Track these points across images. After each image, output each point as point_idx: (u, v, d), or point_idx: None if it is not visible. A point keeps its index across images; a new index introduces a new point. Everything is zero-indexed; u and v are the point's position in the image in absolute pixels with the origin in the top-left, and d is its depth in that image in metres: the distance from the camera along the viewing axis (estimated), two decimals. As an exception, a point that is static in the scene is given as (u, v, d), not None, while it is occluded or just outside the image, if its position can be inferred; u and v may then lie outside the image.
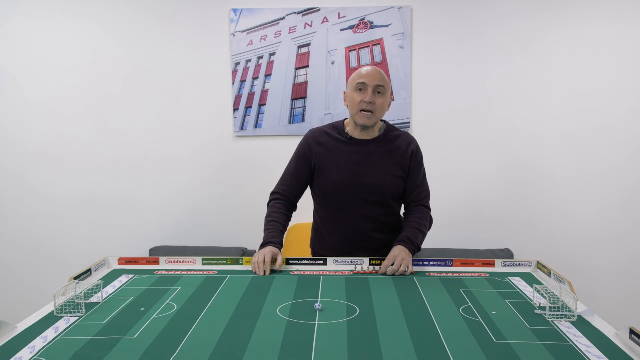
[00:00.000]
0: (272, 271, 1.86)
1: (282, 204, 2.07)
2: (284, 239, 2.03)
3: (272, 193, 2.12)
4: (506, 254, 3.07)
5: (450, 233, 3.25)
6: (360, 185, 1.97)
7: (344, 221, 2.02)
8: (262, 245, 1.94)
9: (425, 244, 3.16)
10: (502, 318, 1.42)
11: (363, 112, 1.92)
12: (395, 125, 2.13)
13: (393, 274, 1.80)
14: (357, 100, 1.92)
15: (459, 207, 3.25)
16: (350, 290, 1.65)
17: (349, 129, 2.03)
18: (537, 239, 3.22)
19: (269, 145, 3.25)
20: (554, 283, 1.71)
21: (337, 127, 2.06)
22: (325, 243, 2.09)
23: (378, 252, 2.00)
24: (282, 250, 1.94)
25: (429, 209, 2.09)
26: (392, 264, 1.82)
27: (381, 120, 2.05)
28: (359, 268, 1.87)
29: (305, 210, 2.22)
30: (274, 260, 1.87)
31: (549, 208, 3.22)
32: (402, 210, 2.14)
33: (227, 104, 3.23)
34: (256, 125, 3.23)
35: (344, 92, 2.03)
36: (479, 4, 3.13)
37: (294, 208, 2.13)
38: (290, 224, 3.10)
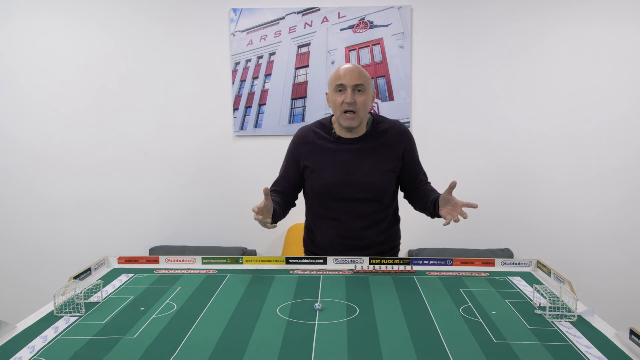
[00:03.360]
0: (272, 271, 1.86)
1: (277, 194, 2.03)
2: (275, 208, 1.90)
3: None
4: (506, 254, 3.08)
5: (450, 233, 3.23)
6: (351, 184, 1.94)
7: (335, 219, 2.00)
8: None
9: (425, 244, 3.18)
10: (502, 318, 1.42)
11: (346, 113, 1.89)
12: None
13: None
14: (338, 102, 1.89)
15: (459, 207, 3.24)
16: (350, 290, 1.64)
17: (337, 127, 1.99)
18: (537, 239, 3.23)
19: (269, 145, 3.25)
20: (554, 283, 1.71)
21: (325, 126, 2.01)
22: (317, 242, 2.07)
23: (370, 250, 1.99)
24: (272, 210, 1.84)
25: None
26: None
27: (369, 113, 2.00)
28: (359, 267, 1.87)
29: (300, 211, 2.20)
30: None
31: (549, 208, 3.22)
32: (397, 205, 2.10)
33: (227, 104, 3.23)
34: (256, 125, 3.23)
35: (326, 93, 1.99)
36: (479, 4, 3.13)
37: (292, 204, 2.09)
38: (290, 223, 3.10)
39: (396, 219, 2.12)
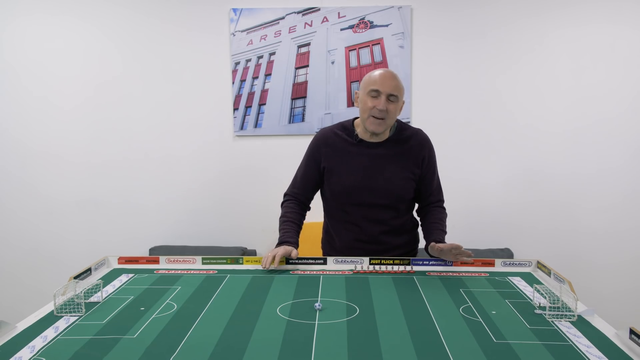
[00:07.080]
0: (273, 271, 1.86)
1: (295, 204, 2.07)
2: (299, 239, 2.02)
3: (285, 194, 2.12)
4: (506, 253, 3.07)
5: (451, 233, 3.23)
6: (369, 189, 1.94)
7: (353, 224, 2.01)
8: (278, 245, 1.94)
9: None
10: (502, 318, 1.42)
11: (374, 118, 1.88)
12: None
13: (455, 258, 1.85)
14: (369, 106, 1.88)
15: (459, 207, 3.24)
16: (350, 290, 1.64)
17: (359, 130, 1.98)
18: (537, 239, 3.23)
19: (269, 145, 3.25)
20: (554, 283, 1.71)
21: (347, 128, 2.01)
22: (335, 245, 2.08)
23: (388, 254, 1.98)
24: (298, 249, 1.94)
25: (444, 207, 2.10)
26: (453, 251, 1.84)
27: None
28: (359, 267, 1.87)
29: (314, 209, 2.20)
30: (282, 261, 1.90)
31: (549, 208, 3.22)
32: (414, 209, 2.12)
33: (227, 104, 3.23)
34: (256, 125, 3.23)
35: (356, 92, 1.98)
36: (479, 4, 3.13)
37: (308, 208, 2.12)
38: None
39: (415, 224, 2.12)
